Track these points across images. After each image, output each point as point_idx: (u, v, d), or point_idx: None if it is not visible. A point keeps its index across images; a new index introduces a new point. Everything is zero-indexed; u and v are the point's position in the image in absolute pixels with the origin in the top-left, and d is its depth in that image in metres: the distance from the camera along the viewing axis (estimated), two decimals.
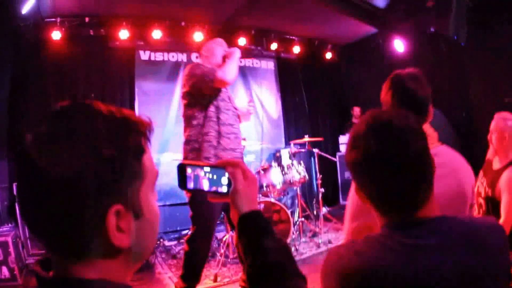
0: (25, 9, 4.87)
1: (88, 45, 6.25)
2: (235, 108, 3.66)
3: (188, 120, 3.47)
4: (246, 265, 1.05)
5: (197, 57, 3.76)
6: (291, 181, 5.79)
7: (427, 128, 1.82)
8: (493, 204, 3.29)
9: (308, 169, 6.59)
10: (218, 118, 3.43)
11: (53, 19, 5.76)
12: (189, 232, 3.43)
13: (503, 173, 3.27)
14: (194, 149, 3.39)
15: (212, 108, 3.43)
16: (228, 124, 3.49)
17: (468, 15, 5.41)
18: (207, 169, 1.14)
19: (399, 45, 6.89)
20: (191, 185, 1.13)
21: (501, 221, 3.20)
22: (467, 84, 6.44)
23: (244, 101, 3.91)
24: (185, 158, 3.43)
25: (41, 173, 0.70)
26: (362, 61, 8.05)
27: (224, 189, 1.14)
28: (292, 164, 5.91)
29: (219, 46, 3.66)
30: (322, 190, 6.41)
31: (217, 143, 3.39)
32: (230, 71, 3.40)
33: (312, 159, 7.37)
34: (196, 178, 1.13)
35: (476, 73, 6.27)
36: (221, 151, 3.40)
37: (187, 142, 3.45)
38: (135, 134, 0.79)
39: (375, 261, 1.14)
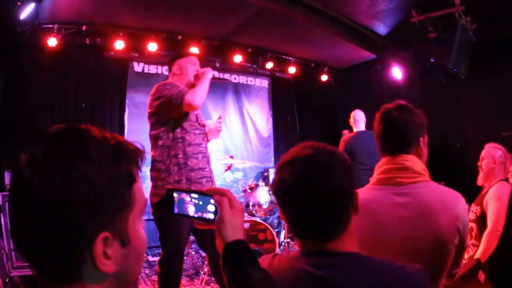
0: (24, 14, 4.82)
1: (83, 54, 6.19)
2: (203, 126, 3.57)
3: (154, 140, 3.34)
4: None
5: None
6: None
7: (412, 160, 1.75)
8: (483, 222, 3.39)
9: None
10: (184, 138, 3.32)
11: (50, 26, 5.70)
12: (160, 254, 3.35)
13: (489, 190, 3.42)
14: (159, 170, 3.28)
15: (178, 129, 3.32)
16: (195, 144, 3.38)
17: (471, 49, 5.46)
18: (194, 195, 1.16)
19: (397, 73, 6.92)
20: (178, 209, 1.16)
21: (488, 230, 3.29)
22: (463, 116, 6.49)
23: (216, 117, 3.83)
24: (151, 178, 3.33)
25: (34, 196, 0.71)
26: (358, 86, 8.08)
27: (210, 216, 1.15)
28: None
29: (192, 65, 3.54)
30: None
31: (184, 165, 3.29)
32: (199, 95, 3.26)
33: None
34: (183, 203, 1.16)
35: (473, 106, 6.33)
36: (189, 171, 3.29)
37: (152, 162, 3.34)
38: (127, 163, 0.80)
39: (280, 278, 1.21)
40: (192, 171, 3.31)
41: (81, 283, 0.77)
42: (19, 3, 4.62)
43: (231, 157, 6.00)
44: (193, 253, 5.62)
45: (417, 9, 5.36)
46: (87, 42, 6.15)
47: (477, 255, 3.26)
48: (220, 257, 1.11)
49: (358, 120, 5.78)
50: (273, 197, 5.71)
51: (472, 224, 3.44)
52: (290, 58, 7.91)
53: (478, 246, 3.35)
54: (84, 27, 5.94)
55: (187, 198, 1.16)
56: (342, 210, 1.23)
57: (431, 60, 5.63)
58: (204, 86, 3.34)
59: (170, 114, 3.27)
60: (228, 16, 6.15)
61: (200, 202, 1.16)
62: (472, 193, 3.56)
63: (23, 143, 5.40)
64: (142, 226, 0.87)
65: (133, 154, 0.82)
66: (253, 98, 8.09)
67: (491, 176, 3.50)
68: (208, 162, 3.48)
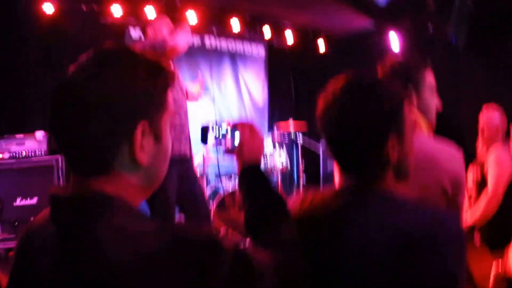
0: None
1: (80, 21, 6.01)
2: (181, 87, 3.60)
3: None
4: (244, 211, 1.20)
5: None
6: (272, 169, 5.77)
7: (415, 114, 1.78)
8: (483, 186, 3.40)
9: (290, 159, 6.55)
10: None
11: None
12: None
13: (489, 155, 3.43)
14: None
15: None
16: (176, 101, 3.44)
17: (470, 21, 5.41)
18: (224, 128, 1.36)
19: (394, 42, 6.87)
20: (211, 140, 1.39)
21: (487, 195, 3.30)
22: (460, 90, 6.47)
23: (198, 81, 3.84)
24: None
25: (86, 92, 0.85)
26: (356, 56, 7.96)
27: (236, 143, 1.33)
28: (274, 150, 5.86)
29: (165, 26, 3.56)
30: (304, 177, 6.37)
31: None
32: (182, 38, 3.31)
33: (295, 148, 7.31)
34: (216, 135, 1.37)
35: (471, 80, 6.32)
36: (172, 128, 3.30)
37: None
38: (165, 74, 0.97)
39: (310, 215, 1.24)
40: (174, 128, 3.36)
41: (116, 171, 0.89)
42: None
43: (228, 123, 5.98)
44: None
45: None
46: (84, 8, 5.97)
47: (473, 219, 3.26)
48: None
49: None
50: (267, 165, 5.74)
51: (472, 191, 3.45)
52: (288, 26, 7.75)
53: None
54: None
55: (220, 131, 1.37)
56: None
57: (430, 31, 5.59)
58: (185, 32, 3.38)
59: None
60: None
61: (229, 134, 1.35)
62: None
63: None
64: (170, 132, 1.02)
65: (168, 69, 0.99)
66: (250, 67, 7.99)
67: (493, 140, 3.52)
68: (187, 122, 3.57)
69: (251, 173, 1.24)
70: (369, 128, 1.15)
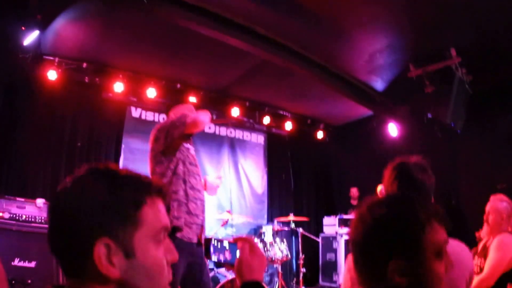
0: (27, 41, 4.75)
1: (81, 92, 6.14)
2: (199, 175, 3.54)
3: (159, 178, 3.26)
4: None
5: None
6: (273, 258, 5.63)
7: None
8: None
9: (290, 248, 6.40)
10: (186, 180, 3.28)
11: (52, 58, 5.68)
12: None
13: (493, 240, 3.30)
14: None
15: (180, 166, 3.28)
16: (196, 189, 3.34)
17: (467, 102, 5.48)
18: (226, 243, 1.38)
19: (393, 130, 6.91)
20: (214, 257, 1.37)
21: (481, 275, 3.16)
22: (458, 170, 6.42)
23: (214, 175, 3.85)
24: None
25: (57, 205, 0.94)
26: (354, 143, 8.06)
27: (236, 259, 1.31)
28: (275, 241, 5.78)
29: (187, 109, 3.59)
30: (304, 270, 6.22)
31: (184, 205, 3.23)
32: (202, 117, 3.29)
33: (294, 238, 7.17)
34: (218, 250, 1.38)
35: (469, 161, 6.30)
36: (186, 213, 3.23)
37: None
38: (136, 189, 0.94)
39: None
40: (188, 213, 3.25)
41: (91, 282, 0.88)
42: (23, 28, 4.58)
43: (229, 212, 5.91)
44: None
45: (414, 63, 5.42)
46: (86, 80, 6.10)
47: None
48: None
49: None
50: (268, 254, 5.61)
51: (476, 277, 3.27)
52: (287, 114, 7.97)
53: None
54: (84, 64, 5.92)
55: (221, 246, 1.38)
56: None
57: (428, 115, 5.64)
58: (204, 113, 3.36)
59: (174, 136, 3.19)
60: (228, 68, 6.23)
61: (231, 249, 1.38)
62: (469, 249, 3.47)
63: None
64: (159, 250, 0.95)
65: (146, 185, 0.96)
66: (249, 153, 8.04)
67: (497, 230, 3.39)
68: (203, 211, 3.43)
69: None
70: (365, 248, 1.13)
